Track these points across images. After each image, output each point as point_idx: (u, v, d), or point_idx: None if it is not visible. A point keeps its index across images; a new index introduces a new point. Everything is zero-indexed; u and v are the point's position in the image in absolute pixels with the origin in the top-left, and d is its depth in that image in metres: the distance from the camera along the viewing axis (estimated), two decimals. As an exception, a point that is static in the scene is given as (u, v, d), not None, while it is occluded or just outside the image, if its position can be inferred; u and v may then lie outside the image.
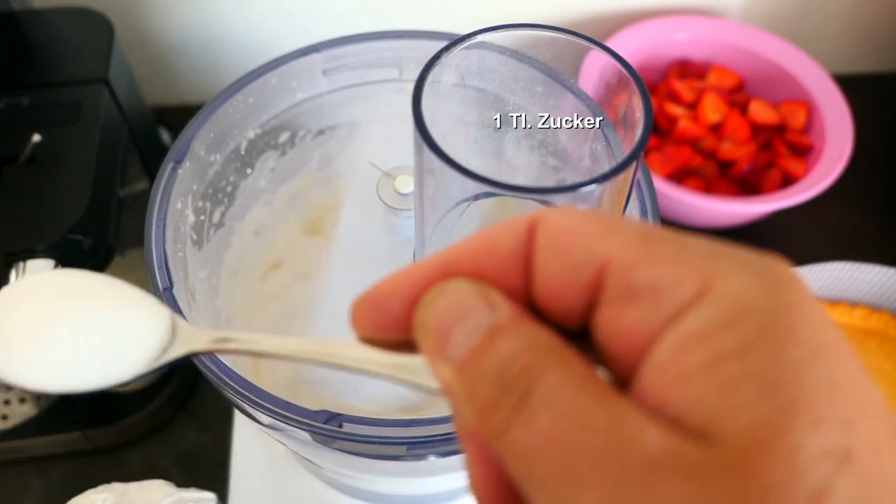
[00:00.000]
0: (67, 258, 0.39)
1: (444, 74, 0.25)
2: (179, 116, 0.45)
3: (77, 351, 0.19)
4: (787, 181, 0.59)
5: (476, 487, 0.16)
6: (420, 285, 0.16)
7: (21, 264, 0.38)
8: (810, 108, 0.61)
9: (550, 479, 0.13)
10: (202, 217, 0.36)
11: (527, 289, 0.16)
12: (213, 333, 0.19)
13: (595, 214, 0.15)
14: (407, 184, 0.33)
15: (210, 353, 0.19)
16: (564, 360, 0.14)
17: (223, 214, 0.38)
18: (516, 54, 0.28)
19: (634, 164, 0.22)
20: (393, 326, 0.16)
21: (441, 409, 0.36)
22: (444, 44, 0.25)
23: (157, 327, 0.19)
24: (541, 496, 0.13)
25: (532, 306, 0.16)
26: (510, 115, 0.32)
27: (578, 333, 0.16)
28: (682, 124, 0.61)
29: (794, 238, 0.63)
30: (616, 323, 0.14)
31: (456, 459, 0.31)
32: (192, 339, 0.19)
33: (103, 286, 0.20)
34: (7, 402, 0.51)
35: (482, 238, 0.16)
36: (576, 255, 0.15)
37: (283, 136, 0.40)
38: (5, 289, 0.20)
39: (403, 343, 0.17)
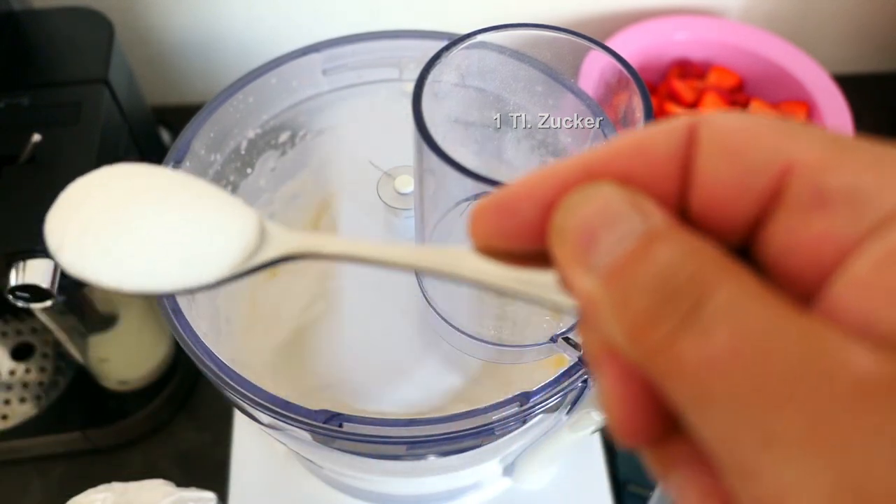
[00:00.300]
0: (67, 258, 0.39)
1: (444, 74, 0.25)
2: (179, 116, 0.45)
3: (156, 249, 0.17)
4: (787, 181, 0.59)
5: (615, 415, 0.14)
6: (558, 188, 0.14)
7: (21, 264, 0.38)
8: (810, 108, 0.61)
9: (731, 399, 0.11)
10: (202, 217, 0.36)
11: (681, 198, 0.14)
12: (308, 237, 0.18)
13: (768, 118, 0.14)
14: (407, 184, 0.33)
15: (304, 258, 0.17)
16: (736, 271, 0.12)
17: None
18: (516, 54, 0.28)
19: (634, 163, 0.22)
20: (521, 234, 0.15)
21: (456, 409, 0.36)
22: (444, 44, 0.25)
23: (244, 230, 0.18)
24: (714, 419, 0.12)
25: (685, 218, 0.14)
26: (510, 115, 0.32)
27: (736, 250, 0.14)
28: (682, 124, 0.61)
29: (794, 238, 0.63)
30: (799, 234, 0.13)
31: (456, 459, 0.31)
32: (285, 243, 0.17)
33: (185, 184, 0.18)
34: (7, 402, 0.51)
35: (631, 140, 0.14)
36: (752, 156, 0.13)
37: (283, 136, 0.40)
38: (79, 180, 0.18)
39: (526, 256, 0.15)
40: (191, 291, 0.17)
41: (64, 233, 0.17)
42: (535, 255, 0.15)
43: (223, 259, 0.17)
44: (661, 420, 0.14)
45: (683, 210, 0.14)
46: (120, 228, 0.17)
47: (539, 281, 0.15)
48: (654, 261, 0.13)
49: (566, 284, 0.14)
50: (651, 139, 0.14)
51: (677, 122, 0.14)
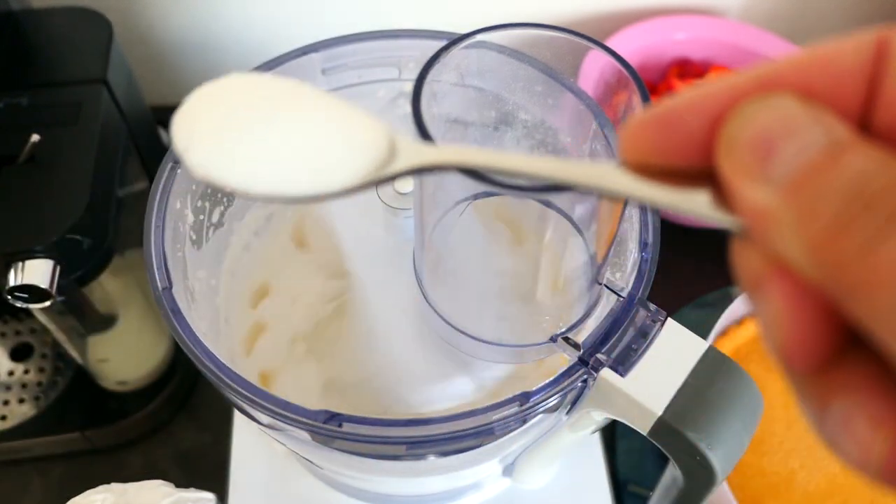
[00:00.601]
0: (67, 258, 0.39)
1: (443, 74, 0.25)
2: (179, 116, 0.45)
3: (284, 154, 0.17)
4: (787, 181, 0.59)
5: (783, 339, 0.13)
6: (730, 101, 0.14)
7: (20, 264, 0.37)
8: (810, 108, 0.61)
9: None
10: (201, 217, 0.36)
11: (864, 115, 0.14)
12: (441, 150, 0.17)
13: None
14: (407, 184, 0.33)
15: (439, 169, 0.17)
16: None
17: (222, 214, 0.38)
18: (516, 54, 0.28)
19: (634, 163, 0.22)
20: (681, 149, 0.14)
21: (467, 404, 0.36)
22: (443, 43, 0.25)
23: (374, 141, 0.17)
24: None
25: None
26: (510, 114, 0.32)
27: None
28: (681, 124, 0.61)
29: (794, 237, 0.63)
30: None
31: (456, 459, 0.31)
32: (418, 154, 0.17)
33: (314, 94, 0.18)
34: (6, 403, 0.51)
35: (812, 53, 0.14)
36: None
37: (283, 136, 0.40)
38: (206, 84, 0.18)
39: (678, 173, 0.15)
40: (318, 199, 0.17)
41: (191, 134, 0.17)
42: (689, 173, 0.14)
43: (352, 168, 0.17)
44: (832, 342, 0.13)
45: (865, 128, 0.14)
46: (248, 132, 0.17)
47: (690, 197, 0.15)
48: (844, 169, 0.12)
49: (733, 199, 0.14)
50: (836, 53, 0.14)
51: (865, 35, 0.13)
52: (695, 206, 0.15)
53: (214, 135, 0.17)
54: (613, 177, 0.15)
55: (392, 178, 0.17)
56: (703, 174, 0.14)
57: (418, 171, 0.17)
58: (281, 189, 0.17)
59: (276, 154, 0.17)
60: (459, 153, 0.17)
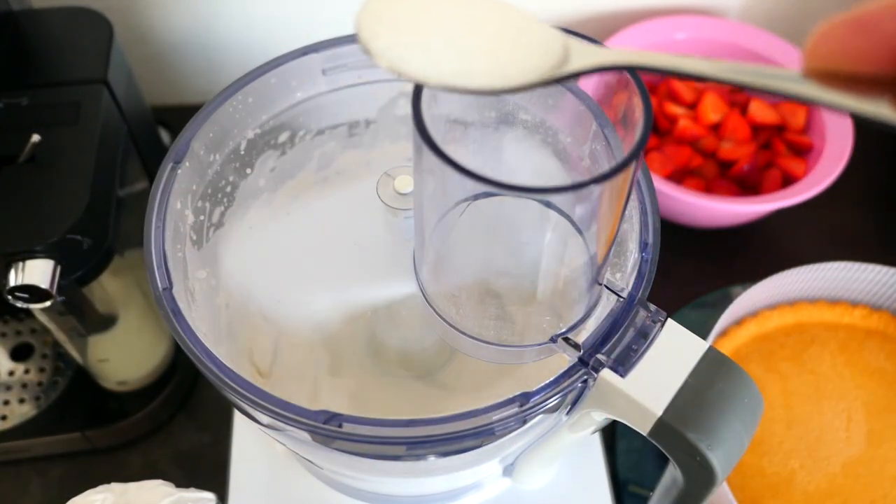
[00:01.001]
0: (67, 258, 0.39)
1: (443, 74, 0.25)
2: (179, 116, 0.45)
3: (465, 48, 0.18)
4: (787, 181, 0.59)
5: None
6: None
7: (21, 264, 0.38)
8: (810, 108, 0.61)
9: None
10: (201, 217, 0.36)
11: None
12: (614, 50, 0.18)
13: None
14: (407, 184, 0.33)
15: (617, 69, 0.18)
16: None
17: (223, 214, 0.38)
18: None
19: (634, 163, 0.22)
20: (873, 54, 0.14)
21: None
22: (443, 43, 0.25)
23: (550, 41, 0.18)
24: None
25: None
26: (510, 114, 0.32)
27: None
28: (681, 124, 0.61)
29: (794, 238, 0.63)
30: None
31: (456, 460, 0.31)
32: (591, 55, 0.18)
33: (492, 1, 0.19)
34: (6, 403, 0.51)
35: None
36: None
37: (283, 136, 0.40)
38: None
39: (860, 80, 0.14)
40: (495, 93, 0.18)
41: (378, 23, 0.18)
42: (870, 80, 0.14)
43: (529, 66, 0.18)
44: None
45: None
46: (431, 25, 0.18)
47: (873, 104, 0.15)
48: None
49: None
50: None
51: None
52: (879, 112, 0.14)
53: (400, 24, 0.18)
54: (796, 83, 0.16)
55: (565, 78, 0.18)
56: (884, 81, 0.14)
57: (591, 71, 0.18)
58: (460, 81, 0.18)
59: (455, 49, 0.18)
60: (633, 55, 0.18)
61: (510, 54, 0.18)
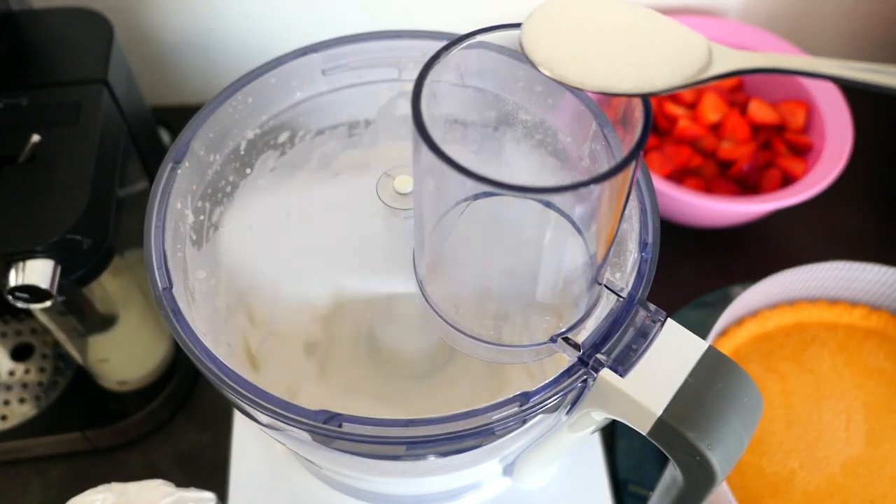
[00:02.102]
0: (67, 258, 0.39)
1: (443, 74, 0.25)
2: (179, 116, 0.45)
3: (618, 56, 0.20)
4: (787, 181, 0.59)
5: None
6: None
7: (21, 264, 0.38)
8: (810, 108, 0.61)
9: None
10: (201, 217, 0.36)
11: None
12: (756, 54, 0.20)
13: None
14: (407, 184, 0.33)
15: (756, 72, 0.20)
16: None
17: (223, 214, 0.38)
18: (516, 54, 0.28)
19: (634, 163, 0.22)
20: None
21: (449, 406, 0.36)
22: (443, 44, 0.25)
23: (694, 47, 0.20)
24: None
25: None
26: (510, 114, 0.32)
27: None
28: (681, 124, 0.61)
29: (794, 238, 0.63)
30: None
31: (456, 459, 0.31)
32: (734, 60, 0.20)
33: (639, 9, 0.22)
34: (7, 403, 0.51)
35: None
36: None
37: (283, 136, 0.40)
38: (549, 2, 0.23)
39: None
40: (643, 95, 0.20)
41: (538, 37, 0.21)
42: None
43: (675, 70, 0.20)
44: None
45: None
46: (586, 35, 0.21)
47: None
48: None
49: None
50: None
51: None
52: None
53: (560, 35, 0.21)
54: None
55: (710, 81, 0.20)
56: None
57: (731, 75, 0.20)
58: (613, 85, 0.20)
59: (608, 56, 0.21)
60: (773, 58, 0.20)
61: (657, 60, 0.21)
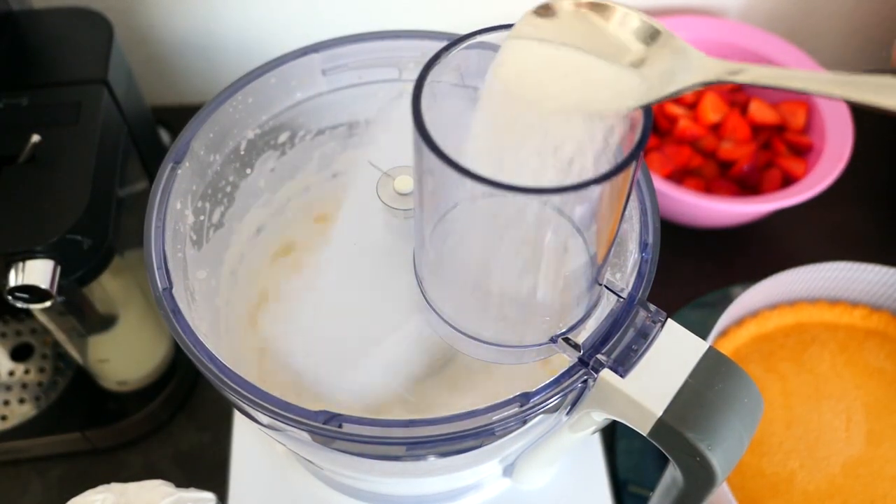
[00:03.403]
0: (67, 258, 0.39)
1: (443, 74, 0.25)
2: (179, 116, 0.45)
3: (577, 80, 0.22)
4: (787, 181, 0.59)
5: None
6: None
7: (21, 264, 0.38)
8: (810, 108, 0.61)
9: None
10: (202, 217, 0.36)
11: None
12: (726, 64, 0.20)
13: None
14: (407, 184, 0.33)
15: (722, 83, 0.21)
16: None
17: (223, 215, 0.38)
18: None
19: (634, 163, 0.22)
20: None
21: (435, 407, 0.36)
22: (443, 44, 0.25)
23: (631, 79, 0.22)
24: None
25: None
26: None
27: None
28: (681, 124, 0.61)
29: (794, 238, 0.63)
30: None
31: (456, 460, 0.31)
32: (703, 70, 0.21)
33: (591, 37, 0.24)
34: (6, 403, 0.51)
35: None
36: None
37: (283, 136, 0.40)
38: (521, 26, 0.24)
39: None
40: (614, 113, 0.22)
41: (517, 75, 0.23)
42: None
43: (631, 87, 0.22)
44: None
45: None
46: (557, 71, 0.23)
47: None
48: None
49: None
50: None
51: None
52: None
53: (526, 58, 0.23)
54: None
55: (681, 92, 0.21)
56: None
57: (706, 84, 0.21)
58: (583, 107, 0.22)
59: (571, 79, 0.22)
60: (735, 72, 0.20)
61: (614, 80, 0.22)
